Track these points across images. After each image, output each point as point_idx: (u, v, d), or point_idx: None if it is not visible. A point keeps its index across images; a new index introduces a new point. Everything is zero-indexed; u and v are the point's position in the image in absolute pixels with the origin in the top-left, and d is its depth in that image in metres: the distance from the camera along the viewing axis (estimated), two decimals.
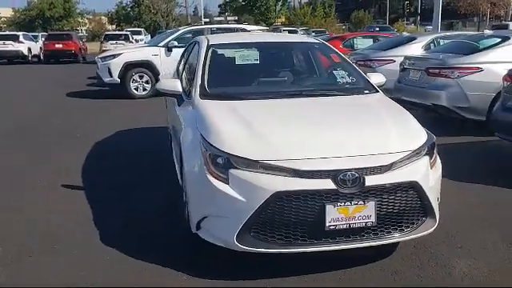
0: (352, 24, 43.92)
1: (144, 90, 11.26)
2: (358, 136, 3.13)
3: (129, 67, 11.06)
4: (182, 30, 11.95)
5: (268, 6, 30.34)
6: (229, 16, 42.61)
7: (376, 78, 4.22)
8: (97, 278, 3.05)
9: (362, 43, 12.23)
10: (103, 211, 4.14)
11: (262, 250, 2.90)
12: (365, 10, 59.30)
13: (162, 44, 11.35)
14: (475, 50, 7.21)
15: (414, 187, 2.98)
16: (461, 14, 41.15)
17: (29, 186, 4.91)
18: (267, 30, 12.99)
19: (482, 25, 41.76)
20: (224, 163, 2.97)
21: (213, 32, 11.79)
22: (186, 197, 3.37)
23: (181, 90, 4.05)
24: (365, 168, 2.88)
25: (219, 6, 37.58)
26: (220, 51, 4.43)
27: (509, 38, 7.00)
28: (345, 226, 2.87)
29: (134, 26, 45.48)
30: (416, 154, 3.08)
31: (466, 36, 8.90)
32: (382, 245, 3.01)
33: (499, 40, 7.14)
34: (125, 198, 4.50)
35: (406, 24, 53.37)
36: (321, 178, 2.84)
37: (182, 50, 10.89)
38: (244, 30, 12.08)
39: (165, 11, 42.95)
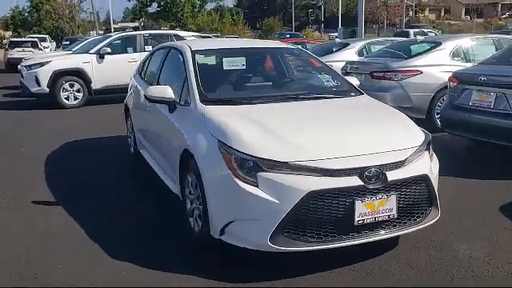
0: (262, 31, 44.98)
1: (75, 99, 10.70)
2: (371, 134, 3.33)
3: (58, 75, 10.46)
4: (114, 36, 11.54)
5: (184, 12, 30.06)
6: (136, 21, 41.61)
7: (354, 81, 4.49)
8: None
9: None
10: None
11: (296, 249, 2.99)
12: (271, 18, 61.14)
13: (93, 51, 10.88)
14: (413, 54, 7.86)
15: (424, 180, 3.24)
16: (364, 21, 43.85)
17: None
18: (199, 37, 12.96)
19: (380, 31, 44.93)
20: (252, 167, 3.01)
21: (145, 38, 11.56)
22: (203, 205, 3.30)
23: (173, 96, 3.99)
24: (386, 164, 3.08)
25: (132, 11, 36.43)
26: (205, 57, 4.42)
27: (441, 44, 7.72)
28: (371, 220, 3.05)
29: (34, 32, 42.59)
30: (420, 149, 3.35)
31: (399, 42, 9.62)
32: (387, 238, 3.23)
33: (432, 45, 7.84)
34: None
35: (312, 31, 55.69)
36: (349, 175, 2.99)
37: (114, 56, 10.87)
38: (177, 36, 11.99)
39: (69, 17, 40.72)
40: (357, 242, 3.07)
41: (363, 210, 3.01)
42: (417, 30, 27.34)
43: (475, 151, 6.29)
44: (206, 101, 3.77)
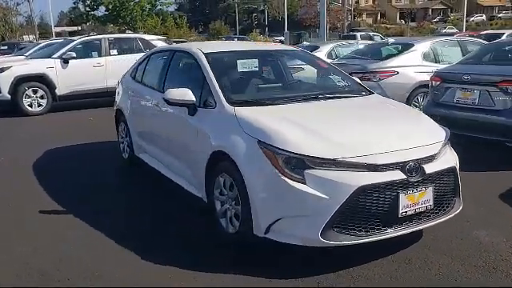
0: (209, 34, 44.92)
1: (39, 105, 10.25)
2: (404, 130, 3.51)
3: (20, 81, 9.97)
4: (78, 40, 11.15)
5: (134, 16, 29.38)
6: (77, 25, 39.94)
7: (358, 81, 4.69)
8: None
9: None
10: None
11: (345, 242, 3.09)
12: (214, 21, 61.23)
13: (56, 56, 10.47)
14: (386, 56, 8.22)
15: (452, 172, 3.46)
16: (306, 25, 44.95)
17: None
18: (166, 40, 12.80)
19: (329, 34, 46.04)
20: (299, 165, 3.09)
21: (110, 42, 11.28)
22: (244, 205, 3.33)
23: (194, 99, 3.99)
24: (422, 158, 3.26)
25: (77, 15, 35.07)
26: (219, 60, 4.43)
27: (413, 45, 8.14)
28: (412, 212, 3.21)
29: None
30: (445, 143, 3.57)
31: (371, 44, 10.01)
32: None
33: (404, 47, 8.25)
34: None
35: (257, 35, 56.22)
36: (392, 169, 3.14)
37: (79, 61, 10.52)
38: (142, 40, 11.80)
39: (5, 20, 38.66)
40: (399, 234, 3.23)
41: (406, 203, 3.17)
42: (363, 33, 28.42)
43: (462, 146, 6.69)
44: (232, 102, 3.80)
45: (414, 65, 7.79)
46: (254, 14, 60.18)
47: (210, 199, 3.86)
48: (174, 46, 6.28)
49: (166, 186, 4.69)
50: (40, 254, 3.55)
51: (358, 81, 4.60)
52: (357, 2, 73.45)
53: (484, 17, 69.73)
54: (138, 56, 11.32)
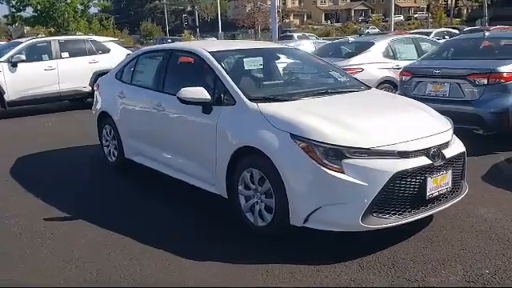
0: (141, 36, 43.93)
1: None
2: (420, 120, 3.80)
3: None
4: (26, 42, 10.57)
5: (66, 18, 27.97)
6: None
7: None
8: None
9: None
10: None
11: (383, 226, 3.30)
12: (141, 22, 60.17)
13: (3, 59, 9.88)
14: (349, 54, 8.62)
15: (463, 156, 3.79)
16: (240, 26, 45.41)
17: None
18: (118, 42, 12.45)
19: (255, 36, 46.75)
20: (337, 155, 3.26)
21: (60, 44, 10.82)
22: (278, 197, 3.45)
23: (210, 97, 4.03)
24: (441, 144, 3.56)
25: (5, 16, 32.78)
26: (226, 59, 4.48)
27: (373, 44, 8.60)
28: (436, 194, 3.50)
29: None
30: (453, 130, 3.90)
31: (332, 43, 10.39)
32: None
33: (364, 45, 8.70)
34: None
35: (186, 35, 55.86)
36: (419, 156, 3.40)
37: (29, 64, 9.99)
38: (94, 41, 11.44)
39: None
40: (425, 215, 3.50)
41: (432, 186, 3.44)
42: (300, 34, 29.22)
43: None
44: (252, 99, 3.89)
45: (376, 62, 8.25)
46: (184, 15, 59.74)
47: (231, 195, 3.94)
48: (168, 46, 6.20)
49: (167, 185, 4.69)
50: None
51: (355, 76, 4.86)
52: (284, 4, 75.10)
53: (402, 17, 74.01)
54: (91, 58, 11.16)
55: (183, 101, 4.08)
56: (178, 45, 6.00)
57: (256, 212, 3.73)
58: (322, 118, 3.55)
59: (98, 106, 5.96)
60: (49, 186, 5.21)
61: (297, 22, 74.03)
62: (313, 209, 3.32)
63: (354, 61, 8.21)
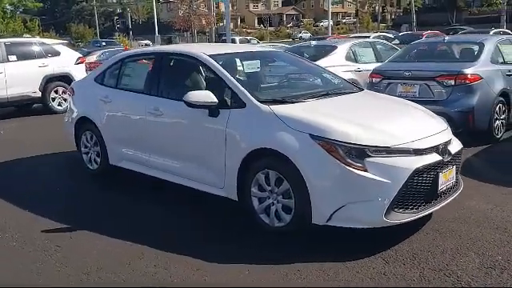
0: (73, 38, 42.11)
1: None
2: (425, 119, 4.02)
3: None
4: None
5: None
6: None
7: None
8: None
9: None
10: None
11: (403, 220, 3.47)
12: (67, 24, 57.74)
13: None
14: (313, 56, 8.84)
15: (461, 153, 4.05)
16: (176, 29, 44.80)
17: None
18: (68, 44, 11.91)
19: (192, 39, 46.37)
20: (360, 154, 3.38)
21: (7, 46, 10.18)
22: (299, 198, 3.53)
23: (217, 100, 4.02)
24: (446, 141, 3.79)
25: None
26: (228, 61, 4.47)
27: (336, 47, 8.90)
28: (444, 188, 3.72)
29: None
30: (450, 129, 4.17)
31: (295, 46, 10.57)
32: None
33: (327, 48, 8.98)
34: None
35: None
36: (431, 152, 3.60)
37: None
38: (43, 43, 10.90)
39: None
40: (436, 208, 3.71)
41: (442, 180, 3.66)
42: (241, 37, 29.43)
43: None
44: (261, 102, 3.92)
45: (340, 65, 8.54)
46: (116, 18, 58.05)
47: (242, 197, 3.95)
48: (159, 49, 6.03)
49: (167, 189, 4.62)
50: None
51: (345, 78, 5.03)
52: (217, 7, 75.12)
53: (332, 22, 76.76)
54: (41, 62, 10.58)
55: (190, 104, 4.03)
56: (170, 48, 5.87)
57: (272, 213, 3.77)
58: (338, 118, 3.67)
59: (75, 112, 5.70)
60: (26, 198, 4.92)
61: (230, 25, 74.30)
62: (337, 207, 3.42)
63: (320, 64, 8.41)
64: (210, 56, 4.40)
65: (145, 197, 4.88)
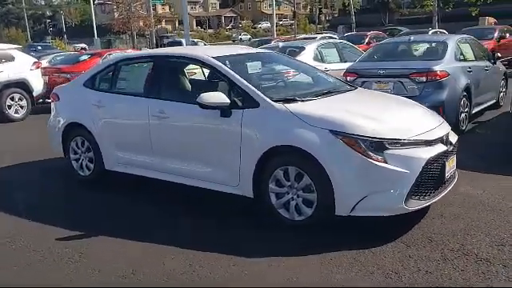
0: (4, 42, 39.76)
1: None
2: (425, 113, 4.31)
3: None
4: None
5: None
6: None
7: None
8: None
9: None
10: None
11: (420, 206, 3.75)
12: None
13: None
14: None
15: (458, 143, 4.39)
16: (115, 32, 43.62)
17: None
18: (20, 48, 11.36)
19: (135, 41, 45.34)
20: (380, 147, 3.62)
21: None
22: (322, 191, 3.71)
23: (229, 101, 4.11)
24: (447, 133, 4.11)
25: None
26: (235, 63, 4.54)
27: (304, 48, 9.19)
28: (449, 176, 4.04)
29: None
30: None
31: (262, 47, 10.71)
32: None
33: (296, 50, 9.24)
34: None
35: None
36: (438, 143, 3.90)
37: None
38: None
39: None
40: (443, 194, 4.01)
41: (448, 168, 3.98)
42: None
43: None
44: (275, 101, 4.06)
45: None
46: (48, 21, 55.67)
47: (258, 194, 4.07)
48: (156, 52, 5.98)
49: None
50: None
51: (339, 77, 5.27)
52: (154, 10, 73.92)
53: (269, 24, 77.80)
54: None
55: (204, 106, 4.10)
56: (170, 51, 5.84)
57: (292, 207, 3.92)
58: (352, 114, 3.88)
59: (63, 118, 5.55)
60: (23, 207, 4.77)
61: (169, 27, 73.41)
62: (360, 198, 3.63)
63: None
64: (215, 58, 4.48)
65: (141, 196, 4.90)
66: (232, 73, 4.29)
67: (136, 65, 5.26)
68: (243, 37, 61.04)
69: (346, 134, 3.64)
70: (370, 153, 3.60)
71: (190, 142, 4.48)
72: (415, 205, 3.71)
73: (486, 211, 4.22)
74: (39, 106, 11.15)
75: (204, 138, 4.37)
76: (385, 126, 3.77)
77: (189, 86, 4.62)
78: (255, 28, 75.25)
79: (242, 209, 4.35)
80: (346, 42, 11.04)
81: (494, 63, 8.51)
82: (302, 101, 4.15)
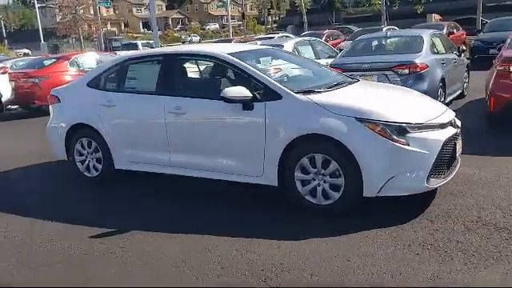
0: None
1: None
2: (431, 101, 4.68)
3: None
4: None
5: None
6: None
7: None
8: None
9: (88, 61, 12.24)
10: None
11: (439, 184, 4.08)
12: None
13: None
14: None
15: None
16: (61, 36, 42.26)
17: None
18: None
19: (77, 44, 44.16)
20: (403, 131, 3.90)
21: None
22: (350, 176, 3.94)
23: (251, 94, 4.28)
24: (454, 117, 4.47)
25: None
26: (249, 59, 4.70)
27: (283, 46, 9.43)
28: (457, 156, 4.39)
29: None
30: None
31: None
32: None
33: (276, 48, 9.45)
34: None
35: None
36: (448, 126, 4.25)
37: None
38: None
39: None
40: (454, 173, 4.36)
41: (458, 149, 4.33)
42: (144, 41, 28.79)
43: None
44: (297, 93, 4.26)
45: None
46: None
47: (282, 183, 4.27)
48: (166, 50, 5.97)
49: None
50: None
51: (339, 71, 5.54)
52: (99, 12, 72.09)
53: (217, 25, 77.80)
54: None
55: (228, 100, 4.24)
56: (183, 49, 5.85)
57: (319, 193, 4.13)
58: (372, 102, 4.16)
59: (67, 120, 5.50)
60: (35, 208, 4.75)
61: (115, 30, 71.83)
62: (387, 179, 3.89)
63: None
64: (230, 54, 4.62)
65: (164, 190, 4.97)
66: (251, 68, 4.45)
67: (147, 63, 5.28)
68: (193, 38, 60.68)
69: (371, 121, 3.90)
70: (395, 137, 3.87)
71: (210, 136, 4.60)
72: (435, 183, 4.03)
73: (488, 188, 4.60)
74: (7, 113, 10.80)
75: (225, 131, 4.50)
76: (403, 112, 4.07)
77: (205, 82, 4.73)
78: (204, 29, 74.99)
79: (270, 199, 4.52)
80: (318, 39, 11.41)
81: (459, 56, 9.12)
82: (319, 92, 4.38)
